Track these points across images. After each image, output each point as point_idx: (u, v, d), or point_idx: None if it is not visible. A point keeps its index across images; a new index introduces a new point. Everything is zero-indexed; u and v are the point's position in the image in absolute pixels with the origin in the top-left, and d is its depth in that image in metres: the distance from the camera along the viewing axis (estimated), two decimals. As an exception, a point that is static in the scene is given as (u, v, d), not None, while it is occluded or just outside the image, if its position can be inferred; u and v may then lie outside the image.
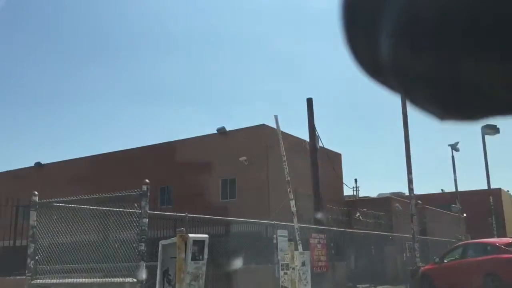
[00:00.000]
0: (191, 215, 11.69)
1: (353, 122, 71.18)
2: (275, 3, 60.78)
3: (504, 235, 37.78)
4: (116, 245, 8.39)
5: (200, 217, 12.24)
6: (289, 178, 12.59)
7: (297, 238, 12.44)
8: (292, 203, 12.61)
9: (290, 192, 12.62)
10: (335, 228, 18.05)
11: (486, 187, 39.23)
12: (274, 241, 14.35)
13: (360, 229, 22.77)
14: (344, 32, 0.71)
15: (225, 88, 60.36)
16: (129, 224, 8.50)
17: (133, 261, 8.13)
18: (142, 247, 7.95)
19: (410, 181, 20.62)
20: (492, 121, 0.71)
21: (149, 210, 8.52)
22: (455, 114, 0.69)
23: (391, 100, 71.02)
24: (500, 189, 47.21)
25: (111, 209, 8.84)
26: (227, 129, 27.71)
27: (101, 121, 56.48)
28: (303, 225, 15.55)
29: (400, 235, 22.76)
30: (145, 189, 8.08)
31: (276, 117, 12.96)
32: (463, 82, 0.64)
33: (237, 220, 14.81)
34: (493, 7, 0.59)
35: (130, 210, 8.62)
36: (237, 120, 66.33)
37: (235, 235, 16.23)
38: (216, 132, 27.86)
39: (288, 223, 14.56)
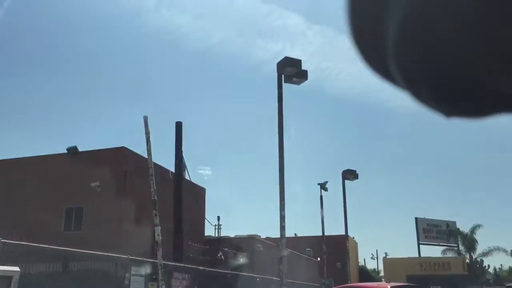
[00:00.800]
0: (6, 241, 7.64)
1: (218, 157, 68.93)
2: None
3: (347, 281, 37.77)
4: None
5: (19, 244, 8.19)
6: (156, 197, 9.25)
7: (161, 277, 9.00)
8: (158, 230, 9.22)
9: (156, 215, 9.24)
10: (202, 268, 14.79)
11: (334, 232, 39.22)
12: (126, 282, 10.67)
13: (220, 269, 19.89)
14: (349, 26, 0.69)
15: (77, 107, 54.33)
16: None
17: None
18: None
19: (282, 218, 18.33)
20: (497, 118, 0.68)
21: None
22: (461, 111, 0.68)
23: (260, 132, 70.87)
24: (347, 235, 48.17)
25: None
26: (80, 149, 23.13)
27: None
28: (166, 262, 12.07)
29: (267, 277, 20.25)
30: None
31: (145, 119, 9.69)
32: (469, 79, 0.63)
33: (78, 252, 10.80)
34: (499, 6, 0.57)
35: None
36: (93, 141, 59.93)
37: (76, 273, 12.13)
38: (66, 152, 23.08)
39: (147, 259, 11.04)
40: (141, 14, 55.75)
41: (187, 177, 21.94)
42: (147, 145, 9.34)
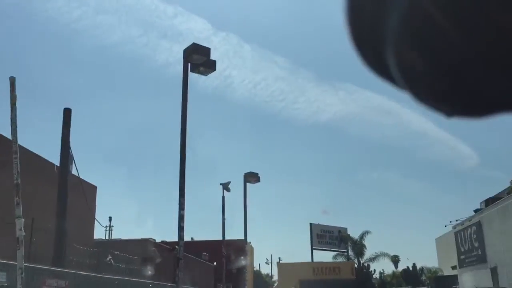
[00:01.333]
0: None
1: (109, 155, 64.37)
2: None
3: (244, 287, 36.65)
4: None
5: None
6: (19, 180, 6.97)
7: (19, 283, 6.72)
8: (20, 223, 6.94)
9: (18, 203, 6.95)
10: (83, 273, 12.37)
11: (231, 237, 37.88)
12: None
13: (109, 274, 17.43)
14: (348, 27, 0.68)
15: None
16: None
17: None
18: None
19: (181, 218, 16.31)
20: (498, 117, 0.66)
21: None
22: (462, 111, 0.67)
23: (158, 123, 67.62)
24: (247, 240, 47.16)
25: None
26: None
27: None
28: (35, 265, 9.61)
29: (162, 283, 18.16)
30: None
31: (12, 79, 7.38)
32: (469, 79, 0.62)
33: None
34: (499, 6, 0.56)
35: None
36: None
37: None
38: None
39: (6, 261, 8.60)
40: (33, 2, 50.53)
41: (75, 172, 19.27)
42: (11, 112, 7.05)
